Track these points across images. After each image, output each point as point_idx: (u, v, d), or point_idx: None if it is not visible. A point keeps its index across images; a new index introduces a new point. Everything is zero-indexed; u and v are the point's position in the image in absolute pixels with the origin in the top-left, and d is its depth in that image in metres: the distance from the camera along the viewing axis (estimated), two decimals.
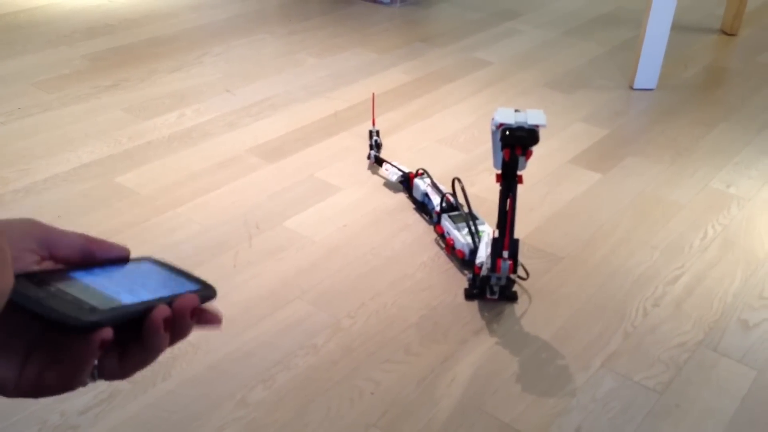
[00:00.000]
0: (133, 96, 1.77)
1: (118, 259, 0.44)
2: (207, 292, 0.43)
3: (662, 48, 1.82)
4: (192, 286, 0.43)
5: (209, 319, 0.44)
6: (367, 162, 1.51)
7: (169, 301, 0.40)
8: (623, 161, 1.55)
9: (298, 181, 1.44)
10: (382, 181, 1.45)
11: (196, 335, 1.05)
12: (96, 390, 0.96)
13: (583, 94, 1.85)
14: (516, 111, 1.01)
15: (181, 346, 1.03)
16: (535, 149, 1.02)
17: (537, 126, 0.99)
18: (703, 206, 1.40)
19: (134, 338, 0.40)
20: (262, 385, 0.98)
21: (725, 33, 2.28)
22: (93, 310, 0.37)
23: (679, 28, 2.24)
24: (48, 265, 0.42)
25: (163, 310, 0.40)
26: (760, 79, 1.97)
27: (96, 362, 0.40)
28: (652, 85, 1.88)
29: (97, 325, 0.37)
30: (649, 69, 1.85)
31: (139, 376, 0.98)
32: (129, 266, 0.44)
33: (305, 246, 1.25)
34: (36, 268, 0.41)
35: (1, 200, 1.36)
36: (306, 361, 1.02)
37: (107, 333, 0.38)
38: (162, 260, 0.45)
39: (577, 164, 1.53)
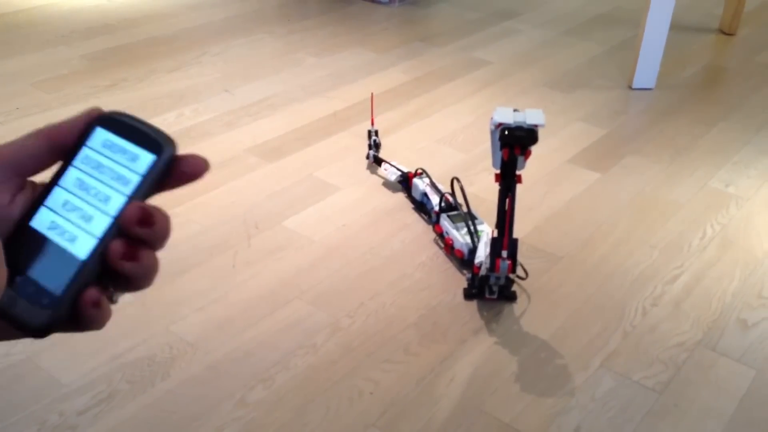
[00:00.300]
0: (132, 96, 1.77)
1: (82, 135, 0.41)
2: (165, 155, 0.39)
3: (661, 47, 1.83)
4: (148, 157, 0.39)
5: (191, 173, 0.39)
6: (366, 162, 1.51)
7: (124, 209, 0.38)
8: (622, 161, 1.55)
9: (297, 180, 1.44)
10: (381, 180, 1.45)
11: (195, 337, 1.05)
12: (95, 390, 0.96)
13: (582, 94, 1.85)
14: (515, 110, 1.01)
15: (180, 346, 1.03)
16: (534, 149, 1.02)
17: (536, 125, 0.99)
18: (702, 206, 1.40)
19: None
20: (261, 385, 0.98)
21: (724, 33, 2.28)
22: (53, 301, 0.36)
23: (677, 27, 2.25)
24: (22, 198, 0.38)
25: (116, 248, 0.37)
26: (758, 78, 1.97)
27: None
28: (651, 84, 1.88)
29: (54, 324, 0.36)
30: (648, 68, 1.85)
31: (139, 376, 0.98)
32: (86, 152, 0.40)
33: (304, 246, 1.25)
34: (9, 213, 0.38)
35: None
36: (305, 360, 1.02)
37: (93, 296, 0.36)
38: (114, 118, 0.41)
39: (576, 164, 1.53)
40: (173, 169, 0.40)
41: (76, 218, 0.38)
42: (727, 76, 2.00)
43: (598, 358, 1.04)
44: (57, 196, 0.39)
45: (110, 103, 1.73)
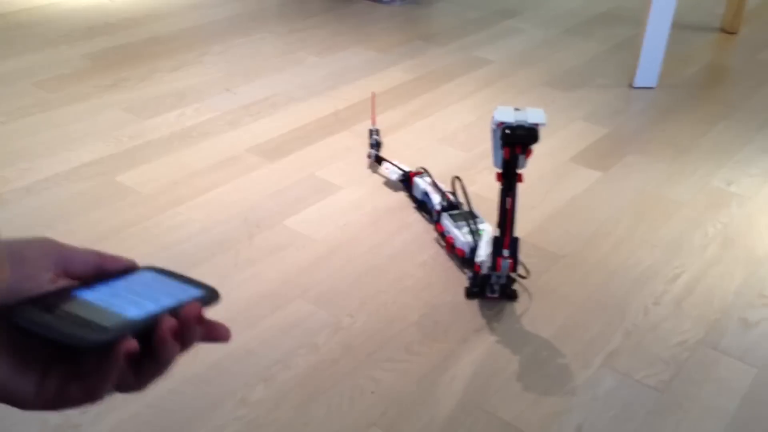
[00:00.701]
0: (134, 95, 1.77)
1: (125, 271, 0.45)
2: (210, 296, 0.44)
3: (662, 46, 1.82)
4: (195, 292, 0.44)
5: (217, 333, 0.44)
6: (367, 161, 1.51)
7: (174, 310, 0.41)
8: (623, 160, 1.55)
9: (298, 180, 1.44)
10: (383, 180, 1.45)
11: None
12: None
13: (583, 93, 1.85)
14: (516, 109, 1.01)
15: None
16: (535, 148, 1.02)
17: (537, 124, 0.99)
18: (703, 204, 1.40)
19: (145, 351, 0.41)
20: (262, 384, 0.98)
21: (725, 31, 2.28)
22: (101, 328, 0.38)
23: (679, 26, 2.24)
24: (62, 282, 0.43)
25: (169, 321, 0.40)
26: (760, 77, 1.97)
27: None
28: (653, 83, 1.88)
29: (106, 344, 0.38)
30: (649, 67, 1.85)
31: None
32: (132, 277, 0.45)
33: (306, 245, 1.25)
34: (50, 287, 0.42)
35: (1, 199, 1.36)
36: (306, 360, 1.02)
37: (132, 344, 0.39)
38: (163, 268, 0.46)
39: (578, 163, 1.53)
40: (204, 324, 0.43)
41: (124, 301, 0.42)
42: (728, 75, 2.00)
43: (600, 357, 1.03)
44: (104, 288, 0.43)
45: (112, 102, 1.73)
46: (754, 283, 1.19)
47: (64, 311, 0.39)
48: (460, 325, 1.09)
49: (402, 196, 1.40)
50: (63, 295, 0.41)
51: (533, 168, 1.47)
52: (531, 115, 1.00)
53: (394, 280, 1.18)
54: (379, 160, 1.47)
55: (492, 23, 2.31)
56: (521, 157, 1.02)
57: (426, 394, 0.97)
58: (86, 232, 1.27)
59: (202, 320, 0.42)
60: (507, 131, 0.98)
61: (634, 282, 1.19)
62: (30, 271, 0.41)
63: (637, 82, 1.87)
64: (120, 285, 0.44)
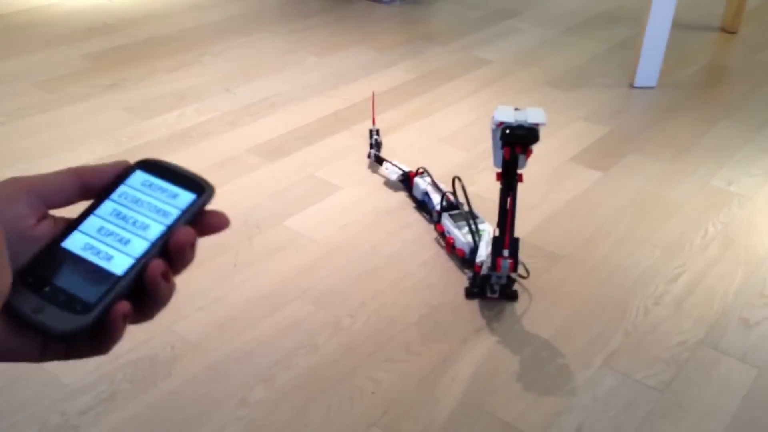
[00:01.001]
0: (133, 95, 1.77)
1: (113, 181, 0.43)
2: (205, 196, 0.42)
3: (663, 46, 1.82)
4: (187, 196, 0.42)
5: (215, 225, 0.42)
6: (367, 161, 1.51)
7: (166, 239, 0.40)
8: (624, 159, 1.55)
9: (298, 180, 1.44)
10: (383, 180, 1.45)
11: (197, 337, 1.05)
12: (96, 390, 0.96)
13: (583, 92, 1.85)
14: (516, 109, 1.01)
15: (181, 345, 1.03)
16: (536, 148, 1.01)
17: (537, 124, 0.99)
18: (703, 204, 1.40)
19: (141, 291, 0.40)
20: (262, 385, 0.98)
21: (725, 31, 2.28)
22: (87, 307, 0.38)
23: (679, 26, 2.24)
24: (46, 224, 0.41)
25: (157, 266, 0.39)
26: (760, 76, 1.97)
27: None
28: (653, 83, 1.88)
29: (94, 323, 0.38)
30: (649, 67, 1.85)
31: (140, 376, 0.98)
32: (121, 191, 0.43)
33: (305, 245, 1.25)
34: (35, 234, 0.40)
35: None
36: (306, 360, 1.02)
37: (124, 307, 0.38)
38: (155, 162, 0.44)
39: (578, 162, 1.53)
40: (200, 218, 0.42)
41: (112, 241, 0.40)
42: (728, 75, 2.00)
43: (600, 357, 1.03)
44: (92, 223, 0.41)
45: (112, 102, 1.73)
46: (754, 283, 1.19)
47: (53, 287, 0.38)
48: (460, 325, 1.09)
49: (402, 196, 1.40)
50: (49, 256, 0.40)
51: (533, 168, 1.47)
52: (531, 114, 1.00)
53: (394, 280, 1.18)
54: (379, 160, 1.47)
55: (492, 23, 2.31)
56: (521, 157, 1.02)
57: (426, 394, 0.97)
58: None
59: (193, 245, 0.41)
60: (507, 131, 0.98)
61: (635, 282, 1.19)
62: (5, 221, 0.39)
63: (638, 82, 1.87)
64: (107, 211, 0.42)
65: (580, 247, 1.27)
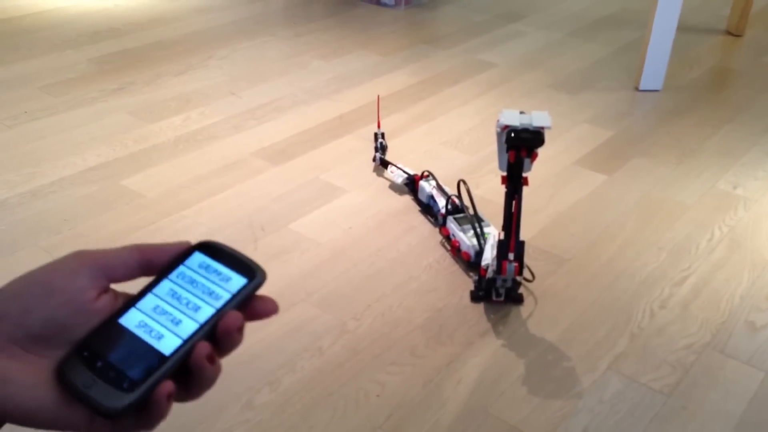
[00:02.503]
0: (139, 99, 1.78)
1: (174, 259, 0.45)
2: (257, 281, 0.44)
3: (668, 49, 1.82)
4: (240, 280, 0.44)
5: (264, 311, 0.44)
6: (372, 164, 1.51)
7: (215, 322, 0.42)
8: (629, 162, 1.55)
9: (303, 183, 1.44)
10: (388, 183, 1.45)
11: None
12: None
13: (588, 96, 1.85)
14: (521, 113, 1.01)
15: None
16: (541, 151, 1.01)
17: (542, 128, 0.99)
18: (709, 207, 1.40)
19: (187, 371, 0.41)
20: (268, 388, 0.98)
21: (731, 34, 2.28)
22: (132, 385, 0.39)
23: (684, 28, 2.24)
24: (107, 299, 0.42)
25: (203, 349, 0.41)
26: (766, 79, 1.97)
27: None
28: (658, 86, 1.87)
29: (138, 404, 0.40)
30: (654, 70, 1.85)
31: None
32: (182, 269, 0.45)
33: (310, 248, 1.25)
34: (94, 308, 0.41)
35: (7, 204, 1.36)
36: (311, 363, 1.02)
37: (167, 387, 0.40)
38: (214, 245, 0.46)
39: (583, 166, 1.53)
40: (250, 302, 0.44)
41: (165, 321, 0.42)
42: (734, 78, 1.99)
43: (606, 361, 1.03)
44: (148, 301, 0.43)
45: (118, 106, 1.74)
46: (761, 286, 1.19)
47: (105, 363, 0.40)
48: (465, 328, 1.09)
49: (407, 199, 1.40)
50: (105, 331, 0.41)
51: (538, 171, 1.47)
52: (536, 118, 1.00)
53: (399, 283, 1.18)
54: (384, 163, 1.47)
55: (496, 26, 2.31)
56: (526, 161, 1.01)
57: (431, 397, 0.97)
58: (92, 237, 1.27)
59: (241, 329, 0.42)
60: (512, 134, 0.98)
61: (640, 285, 1.18)
62: (64, 297, 0.40)
63: (643, 85, 1.87)
64: (164, 290, 0.44)
65: (586, 250, 1.27)
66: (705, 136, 1.66)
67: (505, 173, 1.04)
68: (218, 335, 0.42)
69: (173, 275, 0.44)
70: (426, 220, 1.34)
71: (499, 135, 1.03)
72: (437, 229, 1.31)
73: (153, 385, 0.40)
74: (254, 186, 1.43)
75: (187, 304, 0.43)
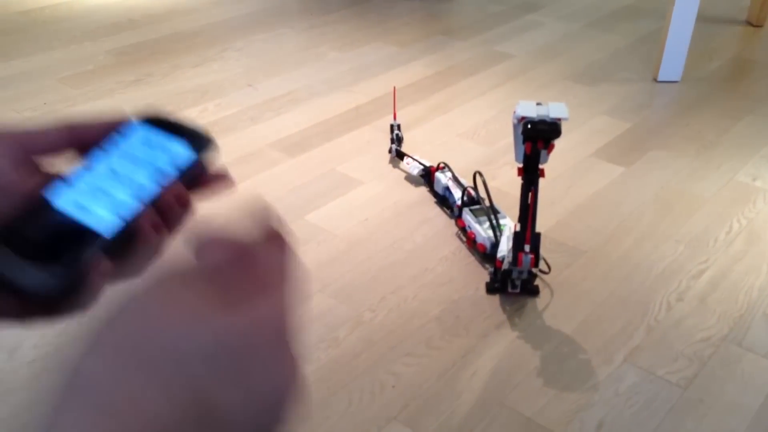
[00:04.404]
0: (157, 91, 1.79)
1: (111, 133, 0.40)
2: (205, 152, 0.40)
3: (687, 40, 1.80)
4: (186, 153, 0.40)
5: (216, 185, 0.40)
6: (388, 156, 1.51)
7: (158, 198, 0.38)
8: (647, 154, 1.53)
9: (319, 175, 1.45)
10: (403, 174, 1.45)
11: None
12: None
13: (605, 87, 1.83)
14: (538, 104, 1.00)
15: None
16: (558, 142, 1.01)
17: (559, 119, 0.98)
18: (728, 200, 1.38)
19: (130, 244, 0.37)
20: None
21: (751, 24, 2.25)
22: (61, 265, 0.36)
23: (703, 19, 2.21)
24: (34, 179, 0.38)
25: (148, 217, 0.37)
26: None
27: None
28: (677, 77, 1.86)
29: (70, 286, 0.36)
30: (673, 61, 1.83)
31: None
32: (118, 144, 0.40)
33: (327, 240, 1.26)
34: (16, 187, 0.37)
35: None
36: (328, 354, 1.02)
37: (103, 265, 0.36)
38: (154, 116, 0.42)
39: (600, 157, 1.52)
40: (200, 177, 0.40)
41: (101, 198, 0.38)
42: (754, 69, 1.97)
43: (622, 353, 1.03)
44: (82, 178, 0.39)
45: (135, 98, 1.75)
46: None
47: (30, 242, 0.36)
48: (480, 320, 1.09)
49: (423, 191, 1.40)
50: (31, 211, 0.37)
51: (555, 163, 1.46)
52: (553, 109, 0.99)
53: (415, 275, 1.18)
54: (400, 155, 1.47)
55: (513, 17, 2.29)
56: (543, 152, 1.01)
57: (446, 389, 0.97)
58: None
59: (185, 201, 0.38)
60: (528, 126, 0.98)
61: (657, 277, 1.18)
62: None
63: (661, 76, 1.85)
64: (100, 166, 0.39)
65: (603, 242, 1.26)
66: (724, 127, 1.65)
67: (521, 165, 1.04)
68: (162, 211, 0.38)
69: (110, 150, 0.39)
70: (442, 212, 1.34)
71: (515, 126, 1.02)
72: (453, 221, 1.31)
73: (86, 263, 0.36)
74: (271, 177, 1.44)
75: (127, 181, 0.38)
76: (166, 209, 0.38)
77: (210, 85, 1.82)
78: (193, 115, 1.67)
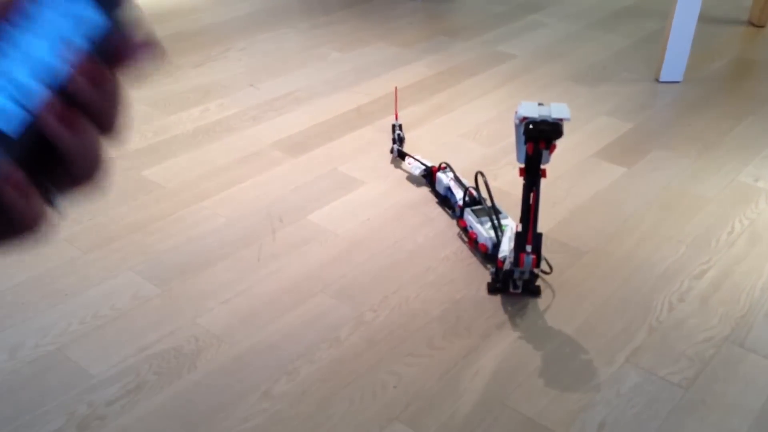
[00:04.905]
0: (158, 91, 1.79)
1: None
2: (118, 13, 0.31)
3: (689, 40, 1.80)
4: (98, 18, 0.30)
5: (134, 52, 0.31)
6: (389, 156, 1.51)
7: (67, 78, 0.29)
8: (649, 155, 1.53)
9: (321, 175, 1.45)
10: (405, 175, 1.45)
11: (221, 330, 1.06)
12: (123, 381, 0.97)
13: (607, 87, 1.83)
14: (539, 104, 1.00)
15: (206, 338, 1.04)
16: (559, 143, 1.01)
17: (561, 119, 0.98)
18: (730, 200, 1.38)
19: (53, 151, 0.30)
20: (285, 378, 0.98)
21: (753, 25, 2.25)
22: None
23: (705, 19, 2.21)
24: None
25: (51, 110, 0.29)
26: None
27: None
28: (679, 77, 1.86)
29: None
30: (675, 61, 1.83)
31: (165, 367, 0.99)
32: (21, 13, 0.29)
33: (328, 239, 1.26)
34: None
35: None
36: (329, 354, 1.02)
37: (14, 176, 0.28)
38: None
39: (602, 158, 1.52)
40: (117, 45, 0.31)
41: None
42: (756, 69, 1.97)
43: (624, 354, 1.03)
44: None
45: (137, 97, 1.75)
46: None
47: None
48: (482, 320, 1.09)
49: (425, 191, 1.40)
50: None
51: (557, 163, 1.46)
52: (555, 110, 0.99)
53: (417, 275, 1.18)
54: (401, 155, 1.47)
55: (516, 18, 2.29)
56: (545, 153, 1.01)
57: (448, 389, 0.97)
58: (111, 227, 1.28)
59: (103, 79, 0.30)
60: (530, 126, 0.98)
61: (659, 278, 1.18)
62: None
63: (663, 77, 1.85)
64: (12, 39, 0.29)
65: (604, 242, 1.26)
66: (726, 128, 1.65)
67: (523, 165, 1.04)
68: (73, 94, 0.29)
69: (9, 21, 0.30)
70: (443, 212, 1.34)
71: (517, 127, 1.02)
72: (455, 221, 1.31)
73: None
74: (273, 177, 1.44)
75: (27, 58, 0.29)
76: (77, 93, 0.30)
77: (212, 85, 1.82)
78: (194, 115, 1.67)
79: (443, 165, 1.37)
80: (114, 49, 0.31)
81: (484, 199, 1.26)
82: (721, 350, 1.04)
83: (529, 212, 1.04)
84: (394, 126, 1.51)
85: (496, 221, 1.19)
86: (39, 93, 0.29)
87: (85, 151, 0.30)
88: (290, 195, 1.38)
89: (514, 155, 1.08)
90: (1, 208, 0.29)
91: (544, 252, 1.20)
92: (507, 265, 1.10)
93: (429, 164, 1.40)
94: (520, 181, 1.05)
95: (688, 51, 1.82)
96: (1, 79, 0.29)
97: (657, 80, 1.86)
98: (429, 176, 1.40)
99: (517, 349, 1.04)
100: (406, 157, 1.45)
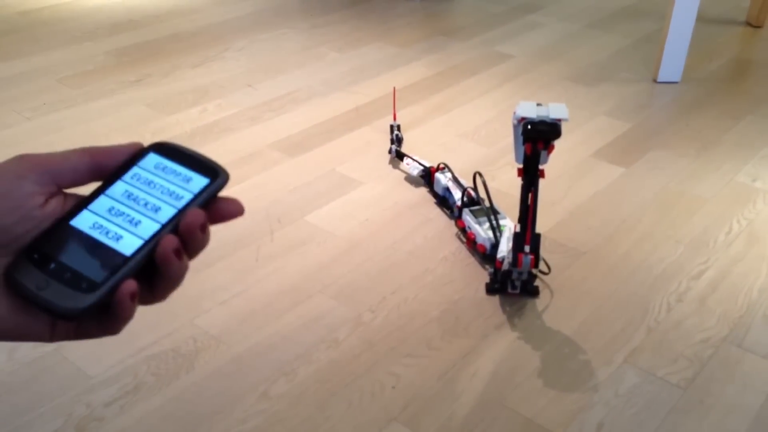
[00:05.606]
0: (157, 91, 1.79)
1: (127, 161, 0.43)
2: (219, 180, 0.42)
3: (687, 40, 1.80)
4: (201, 180, 0.42)
5: (228, 212, 0.42)
6: (388, 156, 1.51)
7: (177, 222, 0.40)
8: (647, 155, 1.53)
9: (319, 175, 1.45)
10: (403, 175, 1.45)
11: (219, 331, 1.06)
12: (121, 382, 0.97)
13: (606, 88, 1.83)
14: (538, 105, 1.00)
15: (204, 339, 1.04)
16: (558, 143, 1.01)
17: (559, 120, 0.98)
18: (728, 200, 1.38)
19: (153, 270, 0.40)
20: (284, 379, 0.98)
21: (751, 25, 2.25)
22: (91, 286, 0.38)
23: (703, 20, 2.22)
24: (55, 203, 0.40)
25: (169, 242, 0.39)
26: None
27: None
28: (677, 77, 1.86)
29: (99, 303, 0.38)
30: (673, 61, 1.83)
31: (164, 369, 0.99)
32: (133, 173, 0.42)
33: (326, 240, 1.26)
34: (42, 214, 0.39)
35: None
36: (327, 354, 1.02)
37: (130, 286, 0.38)
38: (168, 146, 0.44)
39: (600, 158, 1.52)
40: (213, 203, 0.42)
41: (122, 222, 0.40)
42: (754, 69, 1.97)
43: (622, 354, 1.03)
44: (102, 202, 0.41)
45: (135, 98, 1.75)
46: None
47: (58, 264, 0.38)
48: (480, 321, 1.09)
49: (423, 191, 1.40)
50: (57, 233, 0.39)
51: (555, 163, 1.46)
52: (553, 110, 0.99)
53: (415, 276, 1.18)
54: (400, 155, 1.47)
55: (514, 18, 2.29)
56: (543, 153, 1.01)
57: (447, 389, 0.97)
58: None
59: (205, 227, 0.40)
60: (529, 126, 0.98)
61: (657, 278, 1.18)
62: (9, 203, 0.38)
63: (661, 77, 1.86)
64: (119, 191, 0.42)
65: (603, 243, 1.26)
66: (724, 128, 1.65)
67: (521, 165, 1.04)
68: (182, 234, 0.40)
69: (127, 177, 0.42)
70: (442, 213, 1.34)
71: (515, 127, 1.02)
72: (453, 222, 1.31)
73: (114, 285, 0.38)
74: (271, 178, 1.44)
75: (146, 204, 0.41)
76: (186, 233, 0.40)
77: (210, 86, 1.82)
78: (193, 116, 1.67)
79: (441, 165, 1.37)
80: (209, 204, 0.42)
81: (483, 200, 1.26)
82: (720, 350, 1.04)
83: (528, 212, 1.04)
84: (392, 126, 1.51)
85: (494, 222, 1.19)
86: (154, 229, 0.40)
87: (180, 273, 0.40)
88: (288, 195, 1.38)
89: (512, 155, 1.08)
90: (109, 311, 0.38)
91: (543, 252, 1.20)
92: (505, 266, 1.10)
93: (427, 165, 1.40)
94: (518, 182, 1.05)
95: (686, 51, 1.82)
96: (125, 218, 0.40)
97: (655, 80, 1.86)
98: (427, 177, 1.40)
99: (515, 349, 1.04)
100: (405, 158, 1.45)
